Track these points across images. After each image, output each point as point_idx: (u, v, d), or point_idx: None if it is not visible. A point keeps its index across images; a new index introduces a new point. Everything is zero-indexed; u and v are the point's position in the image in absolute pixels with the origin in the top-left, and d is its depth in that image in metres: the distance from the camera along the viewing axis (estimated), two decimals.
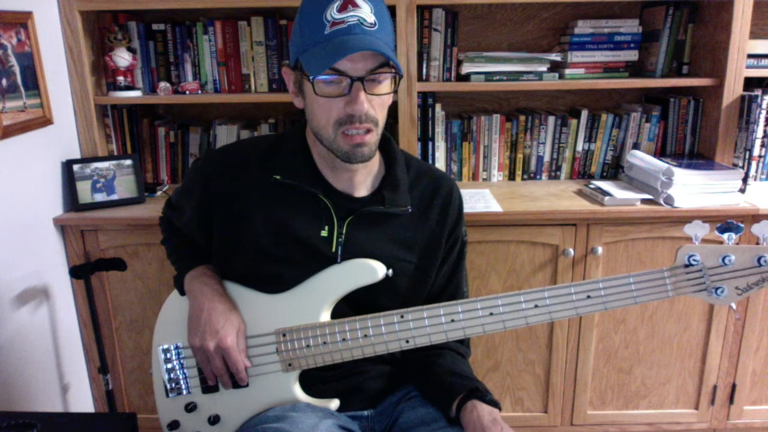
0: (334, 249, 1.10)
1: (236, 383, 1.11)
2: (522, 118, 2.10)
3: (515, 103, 2.25)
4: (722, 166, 1.86)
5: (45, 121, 1.78)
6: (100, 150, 1.98)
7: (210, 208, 1.15)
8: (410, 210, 1.14)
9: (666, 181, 1.79)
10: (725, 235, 1.01)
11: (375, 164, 1.16)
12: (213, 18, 2.00)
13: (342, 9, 0.98)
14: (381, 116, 1.05)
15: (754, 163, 1.97)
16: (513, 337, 1.94)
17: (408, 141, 1.95)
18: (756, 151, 1.95)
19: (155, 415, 1.21)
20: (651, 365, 1.96)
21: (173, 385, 1.16)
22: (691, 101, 2.04)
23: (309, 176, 1.12)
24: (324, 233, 1.11)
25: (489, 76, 1.98)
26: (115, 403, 1.83)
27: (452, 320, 1.05)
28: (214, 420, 1.14)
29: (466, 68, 1.98)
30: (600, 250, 1.82)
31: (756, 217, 1.78)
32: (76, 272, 1.65)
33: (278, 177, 1.11)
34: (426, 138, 2.04)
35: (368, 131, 1.03)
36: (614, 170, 2.14)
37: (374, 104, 1.02)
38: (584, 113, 2.08)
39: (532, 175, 2.16)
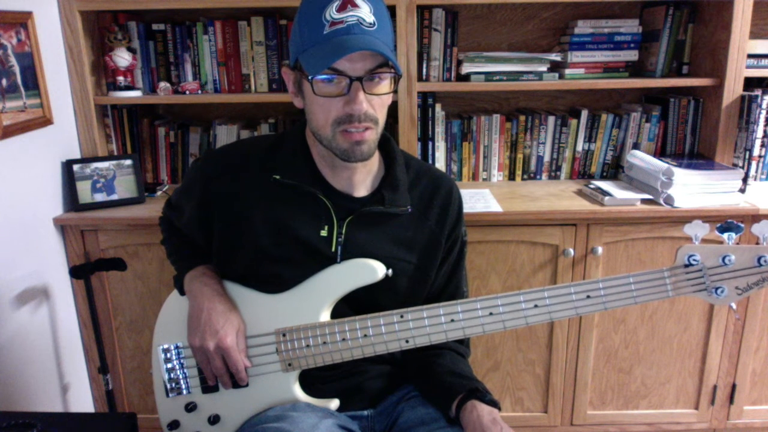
0: (333, 249, 1.10)
1: (236, 383, 1.11)
2: (522, 118, 2.10)
3: (515, 103, 2.25)
4: (722, 166, 1.86)
5: (45, 121, 1.78)
6: (100, 150, 1.98)
7: (210, 208, 1.15)
8: (410, 210, 1.14)
9: (666, 181, 1.79)
10: (725, 235, 1.01)
11: (375, 164, 1.16)
12: (213, 18, 2.01)
13: (341, 9, 0.98)
14: (381, 116, 1.05)
15: (754, 163, 1.97)
16: (513, 337, 1.94)
17: (408, 141, 1.95)
18: (756, 151, 1.95)
19: (155, 415, 1.21)
20: (651, 365, 1.96)
21: (173, 385, 1.16)
22: (691, 101, 2.04)
23: (309, 176, 1.12)
24: (324, 233, 1.11)
25: (489, 76, 1.98)
26: (115, 403, 1.83)
27: (452, 320, 1.05)
28: (214, 420, 1.14)
29: (466, 68, 1.98)
30: (600, 250, 1.82)
31: (756, 217, 1.78)
32: (76, 272, 1.65)
33: (278, 177, 1.11)
34: (426, 138, 2.04)
35: (367, 129, 1.03)
36: (614, 170, 2.14)
37: (374, 104, 1.02)
38: (584, 113, 2.08)
39: (532, 175, 2.16)
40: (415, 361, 1.19)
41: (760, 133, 1.93)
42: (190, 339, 1.11)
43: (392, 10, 1.81)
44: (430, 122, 2.03)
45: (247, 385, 1.12)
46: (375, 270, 1.08)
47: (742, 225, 1.00)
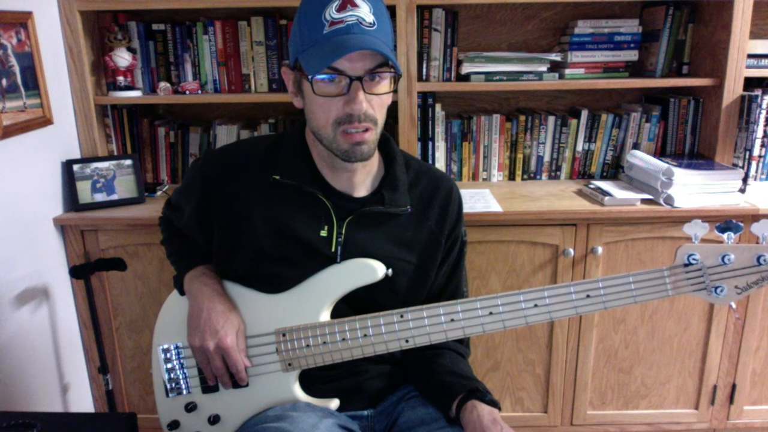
0: (333, 249, 1.10)
1: (236, 383, 1.11)
2: (522, 118, 2.10)
3: (515, 103, 2.25)
4: (722, 166, 1.86)
5: (45, 121, 1.78)
6: (100, 150, 1.98)
7: (210, 207, 1.15)
8: (410, 210, 1.14)
9: (666, 181, 1.79)
10: (725, 235, 1.01)
11: (374, 164, 1.16)
12: (213, 18, 2.01)
13: (341, 9, 0.98)
14: (380, 116, 1.05)
15: (754, 163, 1.97)
16: (513, 337, 1.94)
17: (408, 141, 1.95)
18: (756, 151, 1.95)
19: (155, 415, 1.21)
20: (651, 365, 1.96)
21: (173, 384, 1.16)
22: (691, 101, 2.04)
23: (308, 176, 1.12)
24: (323, 233, 1.11)
25: (489, 76, 1.98)
26: (115, 403, 1.83)
27: (452, 320, 1.05)
28: (214, 420, 1.14)
29: (466, 68, 1.98)
30: (600, 250, 1.82)
31: (756, 217, 1.78)
32: (76, 272, 1.65)
33: (278, 177, 1.11)
34: (426, 138, 2.04)
35: (367, 130, 1.03)
36: (614, 170, 2.14)
37: (373, 104, 1.02)
38: (584, 113, 2.08)
39: (532, 175, 2.16)
40: (415, 361, 1.19)
41: (760, 133, 1.93)
42: (190, 339, 1.11)
43: (392, 10, 1.81)
44: (430, 122, 2.03)
45: (247, 385, 1.12)
46: (375, 270, 1.08)
47: (742, 224, 1.00)
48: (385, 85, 1.03)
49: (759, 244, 0.99)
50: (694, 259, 1.00)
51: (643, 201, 1.83)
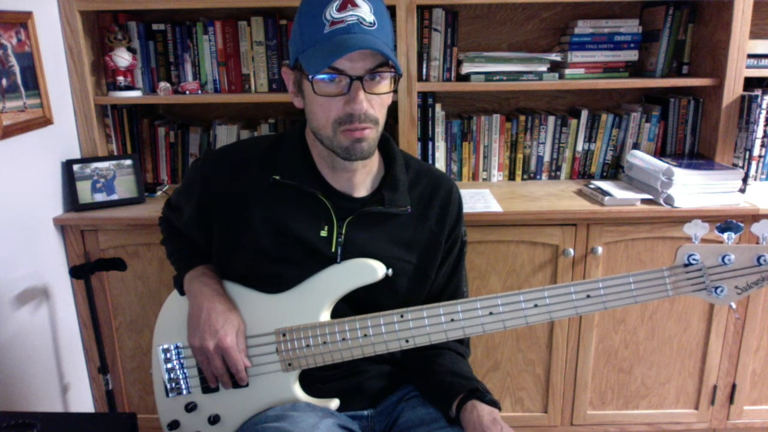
0: (333, 249, 1.10)
1: (236, 383, 1.11)
2: (522, 118, 2.10)
3: (515, 103, 2.25)
4: (722, 166, 1.86)
5: (45, 121, 1.78)
6: (100, 150, 1.98)
7: (209, 208, 1.15)
8: (410, 210, 1.14)
9: (666, 181, 1.79)
10: (725, 235, 1.01)
11: (374, 164, 1.16)
12: (213, 18, 2.01)
13: (341, 8, 0.98)
14: (380, 116, 1.05)
15: (754, 163, 1.97)
16: (513, 337, 1.94)
17: (408, 141, 1.95)
18: (756, 151, 1.95)
19: (155, 415, 1.21)
20: (651, 365, 1.96)
21: (173, 384, 1.16)
22: (691, 101, 2.04)
23: (308, 176, 1.12)
24: (323, 233, 1.11)
25: (489, 76, 1.98)
26: (115, 403, 1.83)
27: (452, 320, 1.05)
28: (214, 420, 1.14)
29: (466, 68, 1.98)
30: (600, 250, 1.82)
31: (756, 217, 1.77)
32: (76, 272, 1.65)
33: (277, 177, 1.11)
34: (426, 138, 2.04)
35: (366, 129, 1.03)
36: (614, 170, 2.14)
37: (373, 104, 1.02)
38: (584, 113, 2.08)
39: (532, 175, 2.16)
40: (415, 361, 1.19)
41: (760, 133, 1.93)
42: (190, 339, 1.11)
43: (392, 10, 1.81)
44: (430, 122, 2.03)
45: (247, 385, 1.12)
46: (375, 270, 1.08)
47: (742, 224, 1.00)
48: (385, 85, 1.03)
49: (759, 245, 0.99)
50: (694, 260, 1.00)
51: (643, 201, 1.83)
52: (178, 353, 1.16)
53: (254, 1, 1.89)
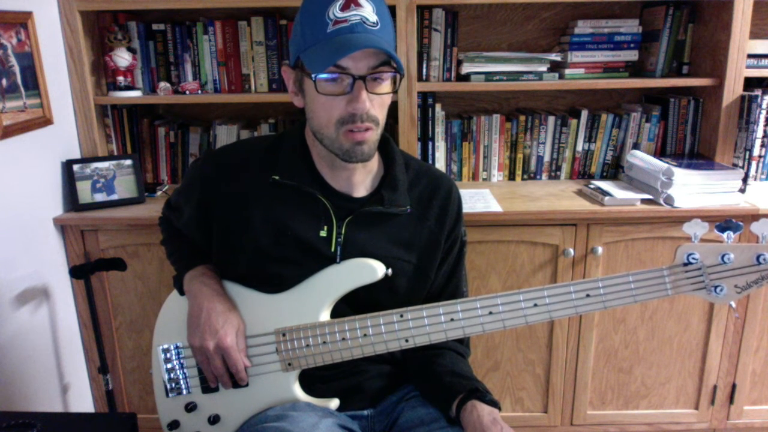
0: (333, 249, 1.10)
1: (236, 383, 1.11)
2: (522, 118, 2.10)
3: (515, 103, 2.25)
4: (722, 166, 1.86)
5: (45, 121, 1.78)
6: (100, 150, 1.98)
7: (209, 208, 1.15)
8: (409, 210, 1.14)
9: (666, 181, 1.79)
10: (724, 234, 1.01)
11: (374, 164, 1.16)
12: (213, 18, 2.01)
13: (344, 8, 0.98)
14: (381, 116, 1.05)
15: (754, 163, 1.97)
16: (513, 337, 1.94)
17: (408, 141, 1.95)
18: (756, 151, 1.95)
19: (155, 415, 1.21)
20: (651, 365, 1.96)
21: (173, 385, 1.16)
22: (691, 101, 2.04)
23: (308, 176, 1.12)
24: (323, 233, 1.11)
25: (489, 76, 1.98)
26: (115, 403, 1.83)
27: (452, 319, 1.05)
28: (214, 420, 1.14)
29: (466, 68, 1.98)
30: (600, 250, 1.82)
31: (756, 217, 1.77)
32: (76, 272, 1.65)
33: (277, 177, 1.11)
34: (426, 138, 2.04)
35: (368, 129, 1.03)
36: (614, 170, 2.14)
37: (375, 104, 1.02)
38: (584, 113, 2.08)
39: (532, 175, 2.16)
40: (415, 360, 1.19)
41: (760, 133, 1.93)
42: (190, 339, 1.11)
43: (392, 10, 1.81)
44: (430, 122, 2.03)
45: (247, 385, 1.12)
46: (375, 270, 1.08)
47: (741, 224, 1.00)
48: (387, 85, 1.03)
49: (759, 244, 0.99)
50: (693, 259, 1.00)
51: (643, 201, 1.83)
52: (178, 353, 1.16)
53: (254, 1, 1.89)
